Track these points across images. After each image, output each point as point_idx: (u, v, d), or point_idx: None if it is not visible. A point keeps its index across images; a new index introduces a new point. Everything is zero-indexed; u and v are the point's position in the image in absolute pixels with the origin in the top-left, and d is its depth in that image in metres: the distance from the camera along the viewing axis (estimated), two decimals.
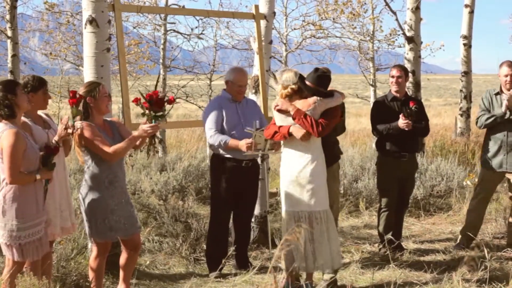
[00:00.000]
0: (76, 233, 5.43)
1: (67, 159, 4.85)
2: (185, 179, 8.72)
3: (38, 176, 4.13)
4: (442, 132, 13.85)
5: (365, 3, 15.14)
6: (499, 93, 6.30)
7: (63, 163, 4.58)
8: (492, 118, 6.21)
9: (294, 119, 4.95)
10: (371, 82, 15.74)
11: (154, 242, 6.43)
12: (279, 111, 5.07)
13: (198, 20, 13.81)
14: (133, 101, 4.77)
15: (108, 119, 4.85)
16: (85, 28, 5.49)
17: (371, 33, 15.46)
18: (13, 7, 11.51)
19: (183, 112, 24.72)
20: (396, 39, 15.44)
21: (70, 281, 5.06)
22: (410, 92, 9.24)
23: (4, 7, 12.19)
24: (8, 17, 11.65)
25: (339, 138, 5.90)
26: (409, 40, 9.72)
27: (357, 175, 8.93)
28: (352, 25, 15.29)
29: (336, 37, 15.69)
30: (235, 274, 5.77)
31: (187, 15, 10.44)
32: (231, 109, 5.70)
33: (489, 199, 6.65)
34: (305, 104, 4.97)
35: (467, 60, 11.68)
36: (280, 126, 5.06)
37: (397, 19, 10.74)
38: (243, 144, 5.40)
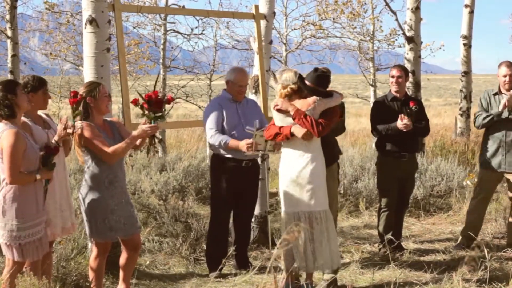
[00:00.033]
0: (76, 233, 5.42)
1: (67, 159, 4.85)
2: (185, 179, 8.72)
3: (38, 176, 4.13)
4: (442, 132, 13.85)
5: (365, 3, 15.15)
6: (498, 93, 6.30)
7: (63, 163, 4.58)
8: (489, 118, 6.21)
9: (294, 119, 4.95)
10: (371, 82, 15.75)
11: (154, 242, 6.43)
12: (279, 110, 5.07)
13: (198, 20, 13.81)
14: (131, 102, 4.77)
15: (108, 119, 4.85)
16: (85, 28, 5.49)
17: (371, 33, 15.46)
18: (13, 7, 11.51)
19: (183, 112, 24.72)
20: (396, 39, 15.47)
21: (70, 281, 5.06)
22: (410, 92, 9.24)
23: (4, 7, 12.19)
24: (8, 17, 11.65)
25: (339, 138, 5.90)
26: (409, 40, 9.72)
27: (357, 175, 8.93)
28: (352, 25, 15.31)
29: (336, 37, 15.71)
30: (235, 274, 5.77)
31: (187, 15, 10.46)
32: (231, 109, 5.70)
33: (489, 200, 6.65)
34: (305, 104, 4.97)
35: (467, 60, 11.68)
36: (281, 127, 5.05)
37: (397, 19, 10.74)
38: (243, 144, 5.40)
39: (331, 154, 5.45)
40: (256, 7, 6.63)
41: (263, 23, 6.65)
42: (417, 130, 6.12)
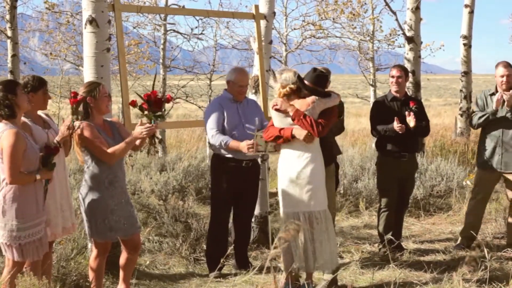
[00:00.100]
0: (76, 233, 5.43)
1: (67, 159, 4.85)
2: (185, 179, 8.73)
3: (38, 176, 4.13)
4: (442, 132, 13.87)
5: (365, 3, 15.15)
6: (494, 93, 6.29)
7: (63, 163, 4.58)
8: (485, 117, 6.21)
9: (293, 119, 4.95)
10: (371, 82, 15.75)
11: (154, 242, 6.43)
12: (277, 110, 5.06)
13: (198, 20, 13.81)
14: (130, 104, 4.76)
15: (108, 119, 4.85)
16: (85, 28, 5.49)
17: (371, 33, 15.46)
18: (13, 7, 11.50)
19: (183, 112, 24.73)
20: (396, 39, 15.47)
21: (70, 281, 5.06)
22: (410, 92, 9.24)
23: (4, 7, 12.18)
24: (8, 17, 11.64)
25: (338, 138, 5.89)
26: (409, 40, 9.73)
27: (357, 175, 8.93)
28: (352, 25, 15.30)
29: (336, 37, 15.70)
30: (235, 274, 5.77)
31: (187, 15, 10.46)
32: (232, 109, 5.70)
33: (487, 200, 6.63)
34: (304, 104, 4.97)
35: (467, 60, 11.68)
36: (281, 129, 5.04)
37: (397, 19, 10.74)
38: (244, 145, 5.39)
39: (329, 154, 5.45)
40: (256, 7, 6.63)
41: (263, 23, 6.65)
42: (417, 130, 6.11)
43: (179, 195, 8.28)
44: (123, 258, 4.82)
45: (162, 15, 13.80)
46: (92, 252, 4.81)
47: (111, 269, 5.27)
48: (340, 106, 5.34)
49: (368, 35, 15.44)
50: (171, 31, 14.12)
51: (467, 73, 11.72)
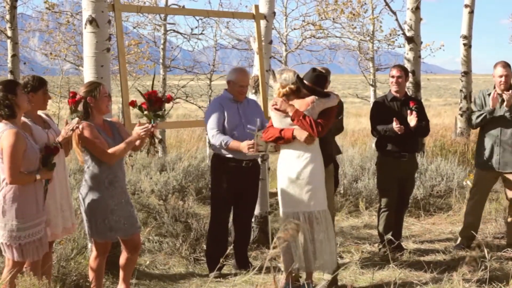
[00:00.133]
0: (76, 233, 5.43)
1: (67, 159, 4.85)
2: (185, 179, 8.73)
3: (38, 176, 4.13)
4: (442, 132, 13.87)
5: (365, 3, 15.15)
6: None
7: (63, 163, 4.58)
8: (482, 116, 6.22)
9: (293, 120, 4.94)
10: (371, 82, 15.74)
11: (154, 242, 6.43)
12: (277, 110, 5.06)
13: (198, 20, 13.81)
14: (129, 104, 4.76)
15: (108, 119, 4.85)
16: (85, 28, 5.49)
17: (371, 33, 15.46)
18: (13, 7, 11.51)
19: (183, 112, 24.73)
20: (396, 39, 15.47)
21: (70, 281, 5.06)
22: (410, 92, 9.24)
23: (4, 7, 12.18)
24: (8, 17, 11.65)
25: (338, 138, 5.89)
26: (409, 40, 9.72)
27: (357, 175, 8.93)
28: (352, 25, 15.30)
29: (336, 37, 15.70)
30: (235, 274, 5.78)
31: (187, 15, 10.43)
32: (232, 109, 5.70)
33: (485, 200, 6.63)
34: (303, 104, 4.97)
35: (467, 60, 11.67)
36: (282, 130, 5.04)
37: (397, 19, 10.74)
38: (244, 145, 5.39)
39: (327, 155, 5.44)
40: (256, 7, 6.63)
41: (263, 23, 6.65)
42: (417, 130, 6.11)
43: (179, 195, 8.28)
44: (123, 258, 4.82)
45: (162, 15, 13.81)
46: (92, 252, 4.81)
47: (111, 269, 5.27)
48: (339, 106, 5.33)
49: (368, 35, 15.44)
50: (171, 31, 14.13)
51: (467, 73, 11.72)
